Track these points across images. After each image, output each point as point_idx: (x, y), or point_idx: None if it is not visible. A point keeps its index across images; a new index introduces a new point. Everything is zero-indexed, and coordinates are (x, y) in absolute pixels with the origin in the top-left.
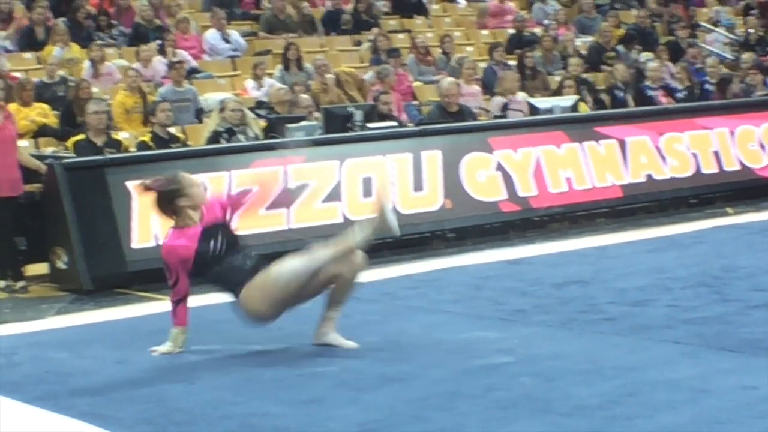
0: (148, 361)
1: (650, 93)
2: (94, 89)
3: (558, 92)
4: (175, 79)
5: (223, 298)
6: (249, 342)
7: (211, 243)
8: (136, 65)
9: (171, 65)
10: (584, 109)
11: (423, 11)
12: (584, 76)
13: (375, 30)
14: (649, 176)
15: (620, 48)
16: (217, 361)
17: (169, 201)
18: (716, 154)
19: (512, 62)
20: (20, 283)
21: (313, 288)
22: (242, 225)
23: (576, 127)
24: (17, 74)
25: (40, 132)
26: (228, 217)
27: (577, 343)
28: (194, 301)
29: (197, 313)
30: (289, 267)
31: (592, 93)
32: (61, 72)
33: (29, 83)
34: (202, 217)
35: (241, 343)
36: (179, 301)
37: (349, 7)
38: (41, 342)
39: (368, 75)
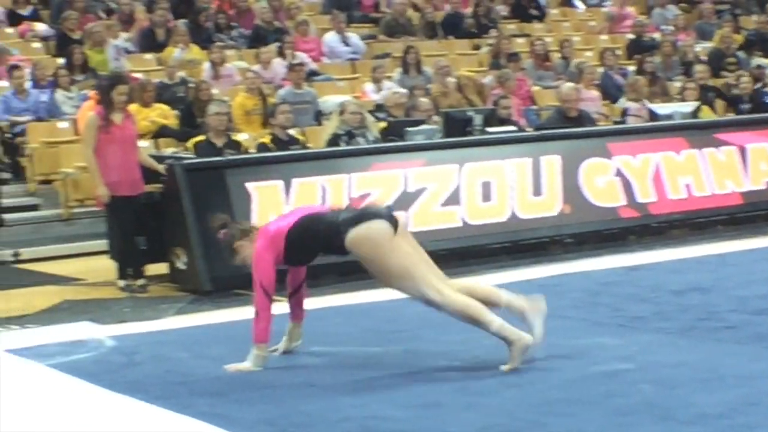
0: (269, 362)
1: None
2: (214, 91)
3: (678, 99)
4: (295, 81)
5: (340, 301)
6: (367, 344)
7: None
8: (256, 67)
9: (290, 67)
10: (709, 116)
11: (542, 16)
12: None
13: (494, 33)
14: None
15: (740, 54)
16: (336, 363)
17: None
18: None
19: (631, 67)
20: (140, 282)
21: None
22: None
23: (696, 133)
24: (138, 75)
25: (160, 133)
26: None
27: (697, 351)
28: (311, 303)
29: (316, 315)
30: (415, 276)
31: (718, 99)
32: (181, 73)
33: (150, 84)
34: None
35: (360, 345)
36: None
37: (468, 10)
38: (161, 342)
39: (488, 79)
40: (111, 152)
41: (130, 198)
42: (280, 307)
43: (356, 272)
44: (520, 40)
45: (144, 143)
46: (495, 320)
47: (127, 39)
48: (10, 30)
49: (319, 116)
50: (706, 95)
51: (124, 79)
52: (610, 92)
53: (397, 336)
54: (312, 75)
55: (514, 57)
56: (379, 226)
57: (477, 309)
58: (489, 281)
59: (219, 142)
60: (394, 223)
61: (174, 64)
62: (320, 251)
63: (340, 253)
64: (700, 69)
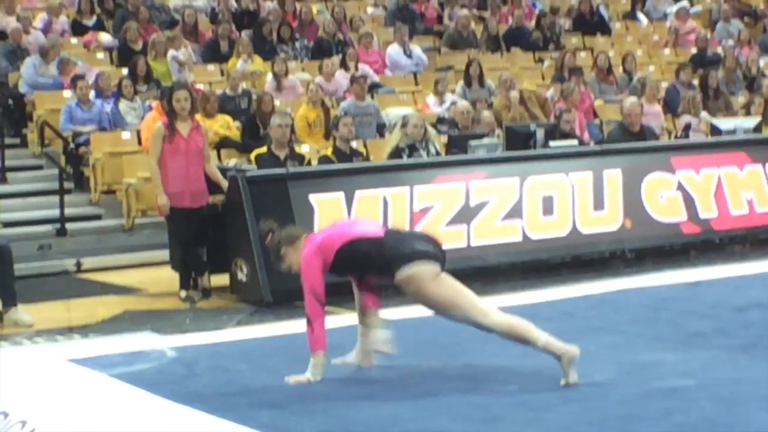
0: (328, 373)
1: None
2: (277, 102)
3: (741, 113)
4: (358, 93)
5: (400, 314)
6: (427, 357)
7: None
8: (319, 79)
9: (353, 79)
10: None
11: (605, 29)
12: None
13: (551, 47)
14: None
15: None
16: (396, 376)
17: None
18: None
19: (694, 82)
20: (200, 293)
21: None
22: None
23: (758, 148)
24: (201, 86)
25: (223, 144)
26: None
27: (758, 369)
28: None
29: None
30: (460, 303)
31: None
32: (244, 84)
33: (213, 95)
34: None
35: (419, 358)
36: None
37: (532, 24)
38: (221, 353)
39: (550, 92)
40: (175, 163)
41: (191, 209)
42: (340, 319)
43: None
44: (582, 54)
45: None
46: (541, 336)
47: (191, 50)
48: (74, 40)
49: (381, 129)
50: None
51: (182, 86)
52: (676, 106)
53: (457, 349)
54: (374, 87)
55: (577, 71)
56: (427, 267)
57: (523, 327)
58: (550, 296)
59: (281, 153)
60: (443, 259)
61: (237, 76)
62: (369, 275)
63: (389, 282)
64: (766, 84)
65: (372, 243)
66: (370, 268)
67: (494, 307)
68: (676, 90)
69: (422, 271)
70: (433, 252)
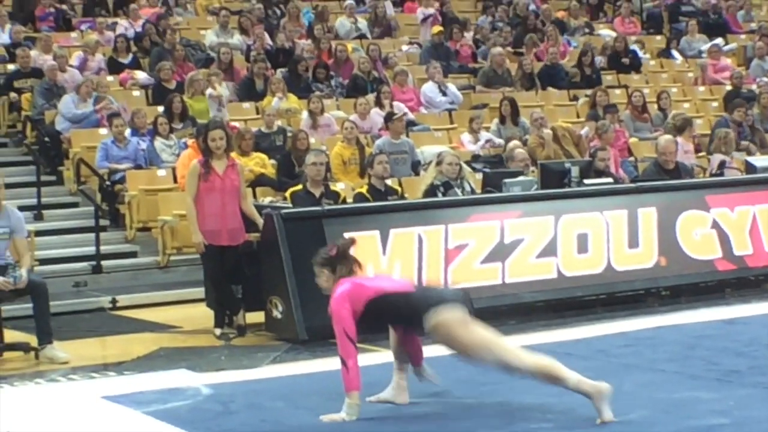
0: (363, 411)
1: None
2: (312, 140)
3: None
4: (396, 131)
5: (434, 351)
6: (462, 395)
7: None
8: (353, 117)
9: (389, 117)
10: None
11: (639, 67)
12: None
13: (589, 85)
14: None
15: None
16: (431, 414)
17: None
18: None
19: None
20: (236, 330)
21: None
22: (456, 279)
23: None
24: (236, 124)
25: (258, 181)
26: None
27: None
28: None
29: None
30: (490, 346)
31: None
32: (279, 122)
33: (248, 133)
34: None
35: (455, 396)
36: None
37: (566, 61)
38: (257, 390)
39: (585, 130)
40: (210, 201)
41: (228, 247)
42: (376, 357)
43: None
44: (617, 92)
45: None
46: (572, 376)
47: (226, 88)
48: (110, 78)
49: (416, 166)
50: None
51: (217, 125)
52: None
53: (492, 388)
54: (409, 125)
55: (611, 108)
56: (455, 312)
57: (554, 367)
58: (584, 333)
59: (316, 191)
60: (470, 305)
61: (272, 113)
62: (399, 325)
63: (419, 333)
64: None
65: (401, 296)
66: (399, 319)
67: (523, 348)
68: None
69: (451, 317)
70: (461, 298)
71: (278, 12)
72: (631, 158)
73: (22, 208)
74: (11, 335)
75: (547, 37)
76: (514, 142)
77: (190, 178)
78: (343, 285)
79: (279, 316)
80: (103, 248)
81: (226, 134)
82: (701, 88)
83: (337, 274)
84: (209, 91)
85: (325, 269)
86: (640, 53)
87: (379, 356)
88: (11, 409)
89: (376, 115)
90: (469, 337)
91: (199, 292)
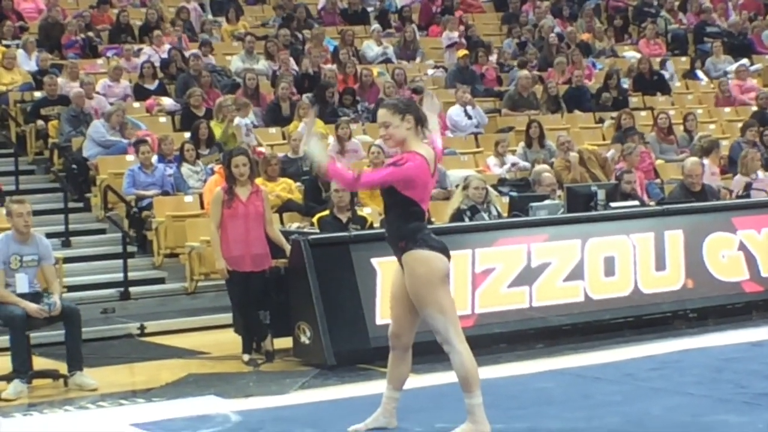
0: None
1: None
2: (339, 165)
3: None
4: None
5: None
6: (490, 421)
7: None
8: (379, 141)
9: None
10: None
11: (665, 89)
12: None
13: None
14: None
15: None
16: None
17: None
18: None
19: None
20: (264, 356)
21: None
22: (483, 303)
23: None
24: (262, 149)
25: (285, 207)
26: None
27: None
28: (433, 379)
29: (439, 391)
30: (449, 314)
31: None
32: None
33: (274, 158)
34: None
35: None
36: None
37: (592, 84)
38: (285, 417)
39: (610, 153)
40: (234, 227)
41: (252, 273)
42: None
43: (478, 347)
44: (643, 114)
45: None
46: (480, 396)
47: (252, 113)
48: (137, 104)
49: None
50: None
51: (241, 151)
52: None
53: (520, 413)
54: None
55: (631, 131)
56: (444, 266)
57: (477, 375)
58: (612, 357)
59: (343, 217)
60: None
61: (298, 138)
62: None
63: (395, 250)
64: None
65: (421, 213)
66: (396, 222)
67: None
68: (740, 148)
69: (440, 266)
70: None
71: (301, 37)
72: (657, 180)
73: (49, 235)
74: (39, 362)
75: (572, 59)
76: (542, 166)
77: (214, 205)
78: (417, 159)
79: (307, 341)
80: (131, 274)
81: (249, 161)
82: (727, 109)
83: (413, 131)
84: (237, 119)
85: (404, 115)
86: (670, 69)
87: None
88: None
89: None
90: (440, 295)
91: (227, 318)
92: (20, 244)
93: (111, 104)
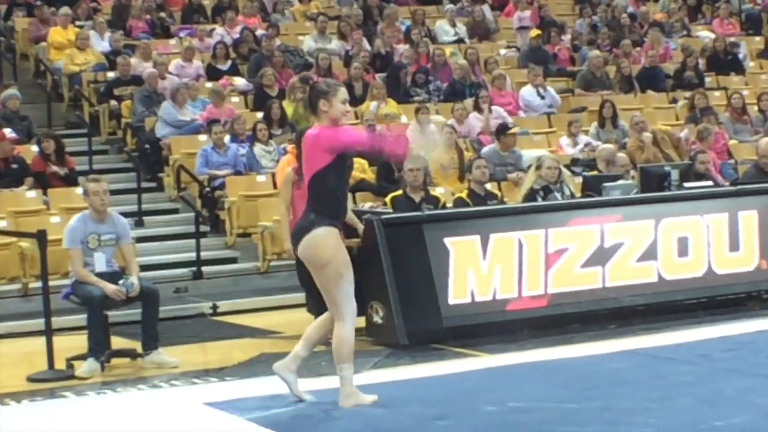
0: (469, 417)
1: None
2: (411, 146)
3: None
4: (505, 143)
5: (536, 356)
6: (563, 400)
7: None
8: (451, 121)
9: (502, 129)
10: None
11: (739, 68)
12: None
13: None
14: None
15: None
16: (533, 419)
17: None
18: None
19: None
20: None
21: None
22: (556, 283)
23: None
24: None
25: (358, 187)
26: None
27: None
28: (508, 359)
29: (513, 372)
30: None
31: None
32: (378, 127)
33: None
34: None
35: (556, 401)
36: None
37: (666, 65)
38: None
39: (684, 133)
40: (302, 208)
41: None
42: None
43: (551, 327)
44: (716, 94)
45: None
46: (351, 368)
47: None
48: (209, 84)
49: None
50: None
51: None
52: None
53: (592, 393)
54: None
55: (706, 111)
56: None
57: (351, 350)
58: (685, 337)
59: (416, 196)
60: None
61: (370, 118)
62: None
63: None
64: None
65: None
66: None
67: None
68: None
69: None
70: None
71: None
72: (731, 161)
73: (123, 215)
74: (114, 341)
75: (647, 39)
76: (608, 146)
77: (284, 185)
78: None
79: (379, 321)
80: (204, 254)
81: None
82: None
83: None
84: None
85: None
86: (742, 49)
87: (479, 361)
88: (114, 415)
89: (474, 120)
90: (343, 265)
91: (300, 297)
92: (97, 223)
93: (184, 84)
